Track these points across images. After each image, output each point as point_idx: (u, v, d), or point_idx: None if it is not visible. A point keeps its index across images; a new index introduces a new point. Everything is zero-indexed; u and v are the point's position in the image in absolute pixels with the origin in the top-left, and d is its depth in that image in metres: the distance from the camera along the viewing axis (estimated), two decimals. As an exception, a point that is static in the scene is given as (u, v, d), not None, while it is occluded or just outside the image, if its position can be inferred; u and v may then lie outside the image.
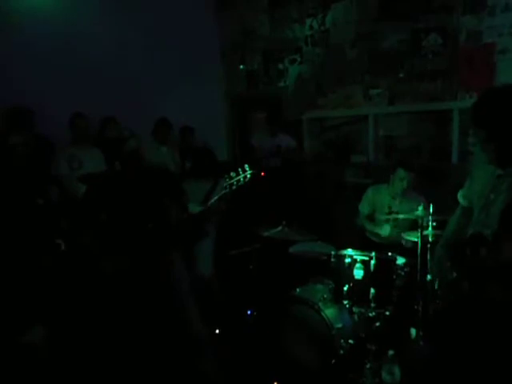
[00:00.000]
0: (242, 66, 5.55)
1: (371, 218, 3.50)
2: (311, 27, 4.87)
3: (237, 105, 5.67)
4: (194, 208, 2.93)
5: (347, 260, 2.80)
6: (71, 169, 3.55)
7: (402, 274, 2.80)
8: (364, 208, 3.53)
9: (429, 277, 2.56)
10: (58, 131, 3.72)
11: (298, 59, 5.04)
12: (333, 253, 2.88)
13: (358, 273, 2.77)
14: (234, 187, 2.82)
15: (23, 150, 2.56)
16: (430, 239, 2.74)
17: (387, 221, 3.36)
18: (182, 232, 2.81)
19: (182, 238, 2.84)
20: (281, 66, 5.20)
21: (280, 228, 3.06)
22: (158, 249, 2.50)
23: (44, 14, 4.10)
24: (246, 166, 2.83)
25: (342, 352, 2.62)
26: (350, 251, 2.87)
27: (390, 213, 3.23)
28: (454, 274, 1.91)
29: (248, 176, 2.80)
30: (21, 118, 3.56)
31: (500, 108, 1.72)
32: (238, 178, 2.81)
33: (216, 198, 2.95)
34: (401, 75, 4.26)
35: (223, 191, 2.88)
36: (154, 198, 2.60)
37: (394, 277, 2.77)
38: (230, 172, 2.85)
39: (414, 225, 2.91)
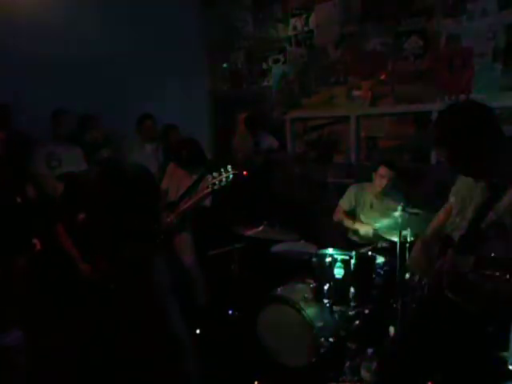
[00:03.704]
0: (225, 65, 5.54)
1: (351, 214, 3.54)
2: (295, 27, 4.89)
3: (220, 104, 5.65)
4: None
5: (328, 259, 2.83)
6: (50, 167, 3.47)
7: (382, 272, 2.85)
8: (345, 203, 3.56)
9: (407, 275, 2.60)
10: (37, 128, 3.64)
11: (282, 59, 5.05)
12: (314, 252, 2.91)
13: (339, 272, 2.80)
14: (215, 187, 2.83)
15: (3, 146, 2.50)
16: (409, 239, 2.79)
17: (368, 223, 3.39)
18: (163, 233, 2.80)
19: (163, 239, 2.82)
20: (264, 66, 5.21)
21: (262, 227, 3.07)
22: (138, 250, 2.47)
23: (25, 11, 4.01)
24: (229, 166, 2.83)
25: (322, 350, 2.65)
26: (330, 251, 2.90)
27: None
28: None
29: (230, 176, 2.80)
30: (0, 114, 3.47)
31: (452, 129, 1.72)
32: (220, 177, 2.82)
33: (198, 197, 2.95)
34: (383, 77, 4.32)
35: (205, 191, 2.89)
36: (133, 201, 2.57)
37: (374, 276, 2.81)
38: (213, 172, 2.86)
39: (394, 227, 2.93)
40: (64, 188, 2.69)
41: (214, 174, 2.84)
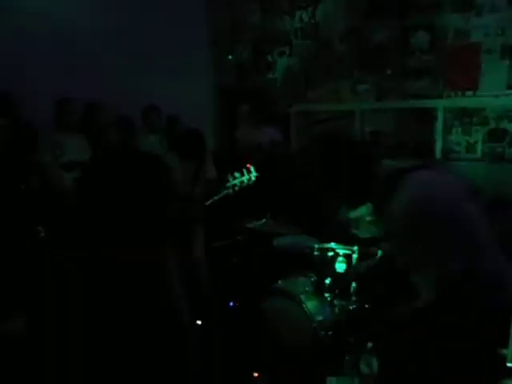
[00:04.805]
0: (230, 57, 5.51)
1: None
2: (301, 19, 4.85)
3: (225, 96, 5.63)
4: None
5: (330, 253, 2.83)
6: (54, 156, 3.48)
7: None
8: None
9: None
10: (42, 117, 3.64)
11: (287, 51, 5.02)
12: (316, 246, 2.91)
13: (340, 266, 2.80)
14: (236, 188, 2.69)
15: (5, 134, 2.51)
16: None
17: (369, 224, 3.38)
18: (175, 222, 2.77)
19: (175, 229, 2.81)
20: (269, 58, 5.18)
21: (264, 220, 3.07)
22: (150, 241, 2.46)
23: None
24: (252, 167, 2.71)
25: (322, 344, 2.66)
26: (332, 245, 2.90)
27: None
28: None
29: (253, 178, 2.69)
30: (3, 102, 3.47)
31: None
32: (241, 178, 2.69)
33: (217, 197, 2.83)
34: (388, 72, 4.29)
35: (225, 192, 2.74)
36: (146, 188, 2.55)
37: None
38: (234, 172, 2.70)
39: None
40: (78, 177, 2.66)
41: (236, 174, 2.68)
